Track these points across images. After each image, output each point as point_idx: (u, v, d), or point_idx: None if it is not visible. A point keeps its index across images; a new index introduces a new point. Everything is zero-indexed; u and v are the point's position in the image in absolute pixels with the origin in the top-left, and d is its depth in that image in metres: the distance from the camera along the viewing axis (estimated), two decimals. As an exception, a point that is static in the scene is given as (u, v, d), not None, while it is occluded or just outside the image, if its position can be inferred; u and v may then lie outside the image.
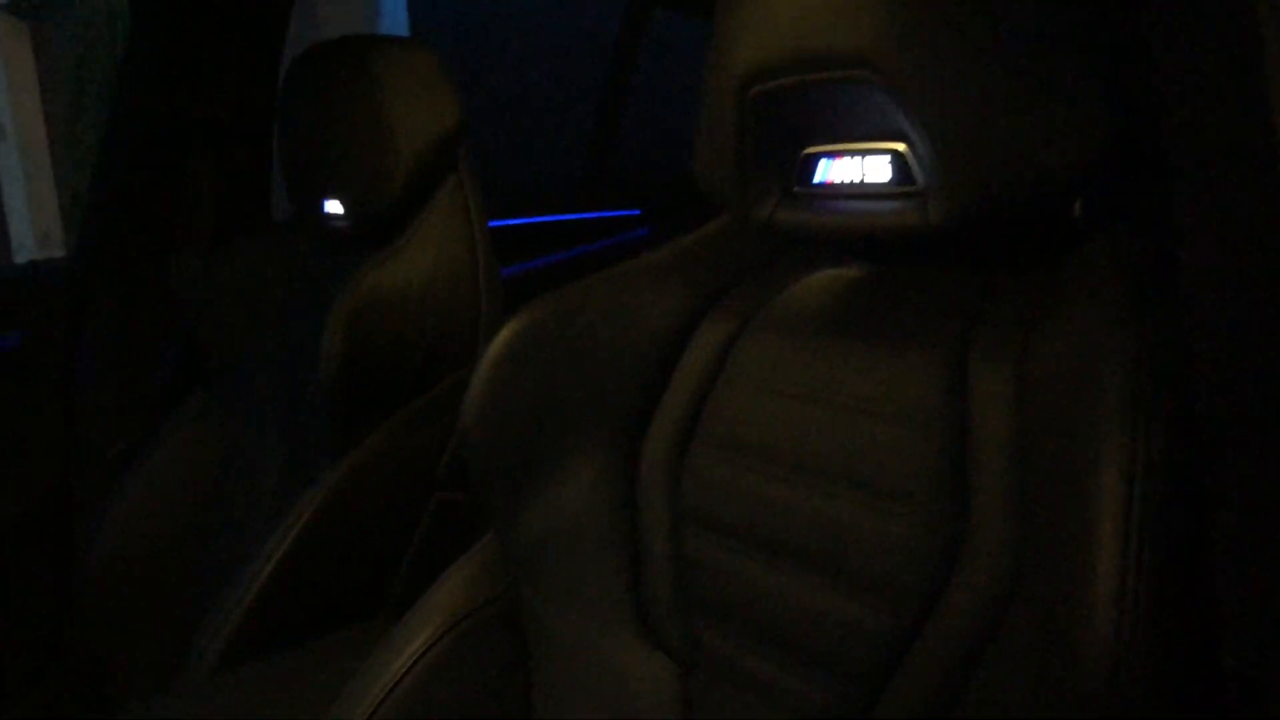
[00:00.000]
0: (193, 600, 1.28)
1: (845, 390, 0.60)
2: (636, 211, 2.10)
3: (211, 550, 1.32)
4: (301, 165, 1.26)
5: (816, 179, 0.62)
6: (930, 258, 0.62)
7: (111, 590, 1.35)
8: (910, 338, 0.59)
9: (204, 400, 1.40)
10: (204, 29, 1.40)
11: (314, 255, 1.31)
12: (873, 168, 0.58)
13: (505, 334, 0.74)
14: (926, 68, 0.51)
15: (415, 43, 1.21)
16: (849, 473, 0.58)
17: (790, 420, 0.63)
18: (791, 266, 0.71)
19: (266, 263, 1.37)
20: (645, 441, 0.72)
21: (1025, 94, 0.50)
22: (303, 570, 1.06)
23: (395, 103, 1.14)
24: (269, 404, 1.29)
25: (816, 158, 0.62)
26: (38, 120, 7.69)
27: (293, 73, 1.24)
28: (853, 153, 0.59)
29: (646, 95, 2.21)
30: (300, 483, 1.14)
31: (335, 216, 1.22)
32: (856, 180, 0.59)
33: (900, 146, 0.56)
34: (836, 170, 0.61)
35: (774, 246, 0.74)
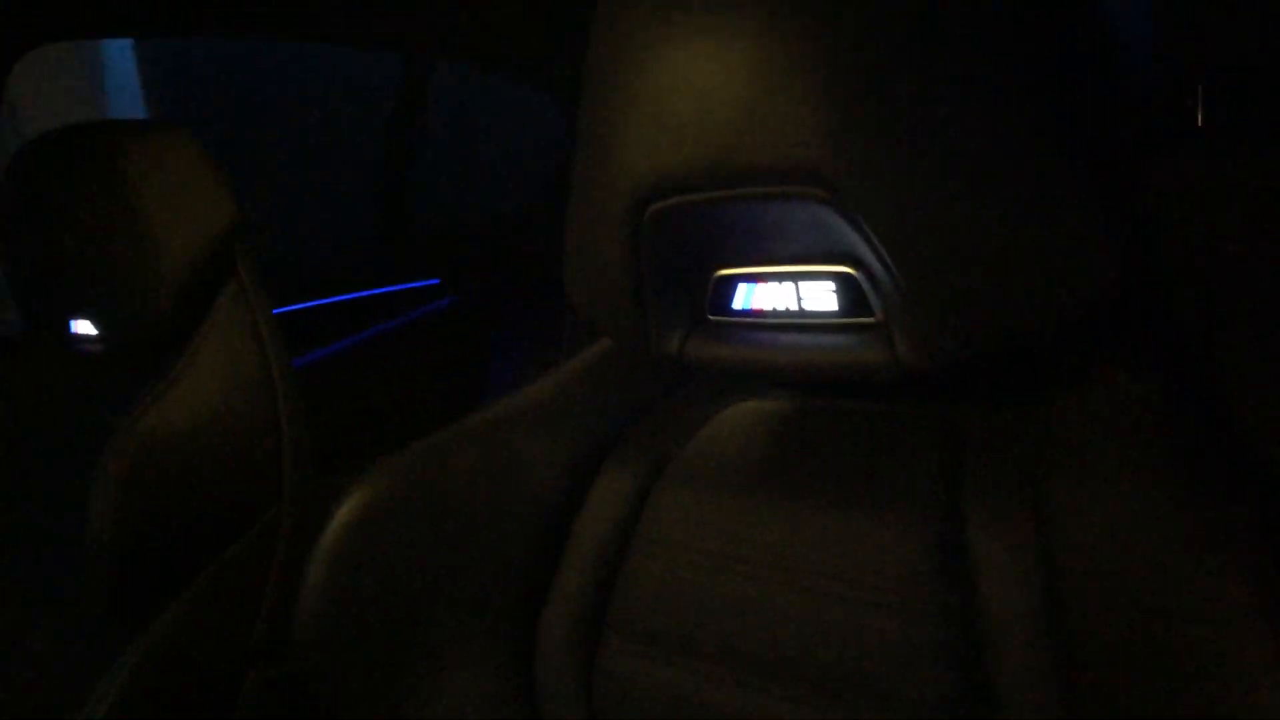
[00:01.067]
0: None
1: (804, 564, 0.49)
2: (435, 281, 1.94)
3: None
4: (35, 278, 1.03)
5: (737, 305, 0.50)
6: (892, 392, 0.52)
7: None
8: (882, 494, 0.48)
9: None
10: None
11: (65, 383, 1.08)
12: (812, 294, 0.47)
13: (346, 511, 0.58)
14: (887, 180, 0.41)
15: (170, 125, 1.02)
16: (826, 675, 0.46)
17: (735, 603, 0.51)
18: (695, 399, 0.60)
19: (3, 393, 1.12)
20: (540, 630, 0.58)
21: (1013, 210, 0.41)
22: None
23: (155, 201, 0.95)
24: (20, 568, 1.05)
25: (734, 281, 0.50)
26: None
27: (13, 170, 1.02)
28: (782, 277, 0.48)
29: (437, 153, 2.06)
30: (84, 677, 0.91)
31: (87, 339, 1.00)
32: (791, 308, 0.48)
33: (848, 269, 0.46)
34: (761, 296, 0.49)
35: (668, 376, 0.63)
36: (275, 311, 1.07)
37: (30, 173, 1.01)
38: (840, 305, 0.46)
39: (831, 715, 0.46)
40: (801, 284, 0.47)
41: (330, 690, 0.59)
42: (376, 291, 1.85)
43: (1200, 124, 0.51)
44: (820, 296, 0.47)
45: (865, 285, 0.45)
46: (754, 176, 0.43)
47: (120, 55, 3.61)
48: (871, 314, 0.45)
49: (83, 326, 1.00)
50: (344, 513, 0.57)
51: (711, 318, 0.51)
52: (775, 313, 0.49)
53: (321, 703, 0.60)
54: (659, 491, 0.56)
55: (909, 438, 0.50)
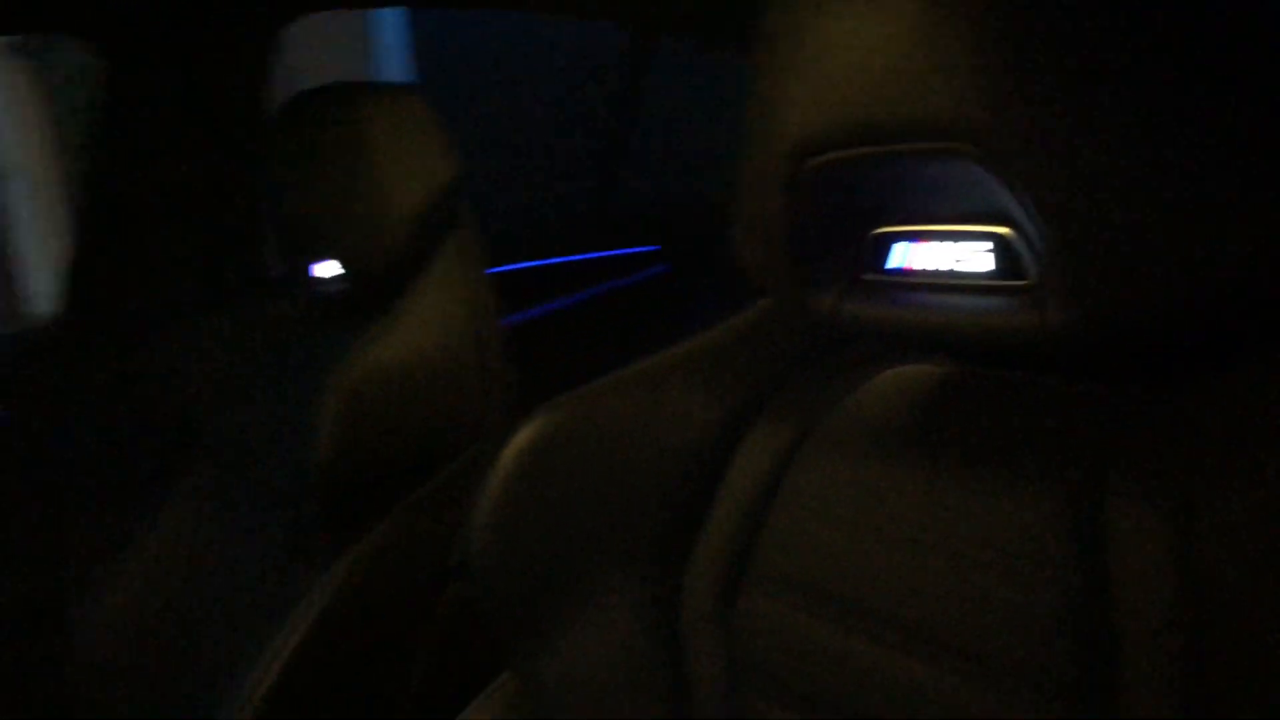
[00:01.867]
0: (186, 701, 1.18)
1: (940, 529, 0.49)
2: (654, 248, 1.99)
3: (212, 640, 1.22)
4: (289, 224, 1.15)
5: (891, 264, 0.51)
6: (1042, 362, 0.51)
7: (102, 681, 1.25)
8: (1024, 466, 0.47)
9: (199, 474, 1.30)
10: (177, 84, 1.30)
11: (307, 321, 1.21)
12: (968, 254, 0.47)
13: (519, 442, 0.62)
14: (1044, 140, 0.40)
15: (406, 88, 1.11)
16: (956, 640, 0.47)
17: (870, 561, 0.51)
18: (856, 360, 0.60)
19: (259, 328, 1.26)
20: (687, 573, 0.61)
21: (1173, 176, 0.39)
22: (308, 675, 0.95)
23: (388, 156, 1.04)
24: (266, 485, 1.19)
25: (890, 240, 0.51)
26: (49, 161, 7.65)
27: (275, 124, 1.14)
28: (940, 235, 0.48)
29: (660, 122, 2.11)
30: (303, 573, 1.03)
31: (327, 280, 1.12)
32: (946, 268, 0.48)
33: (1005, 230, 0.45)
34: (917, 255, 0.49)
35: (824, 338, 0.63)
36: (496, 270, 1.15)
37: (286, 129, 1.13)
38: (995, 267, 0.46)
39: (953, 676, 0.46)
40: (957, 244, 0.47)
41: (494, 610, 0.64)
42: (592, 256, 1.92)
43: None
44: (975, 257, 0.47)
45: (1020, 247, 0.44)
46: (909, 133, 0.44)
47: (391, 25, 3.93)
48: (1025, 277, 0.45)
49: (324, 269, 1.12)
50: (515, 446, 0.62)
51: (866, 276, 0.52)
52: (929, 273, 0.49)
53: (489, 622, 0.65)
54: (806, 450, 0.58)
55: (1055, 411, 0.49)
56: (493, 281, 1.13)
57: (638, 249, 1.98)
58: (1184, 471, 0.42)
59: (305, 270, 1.15)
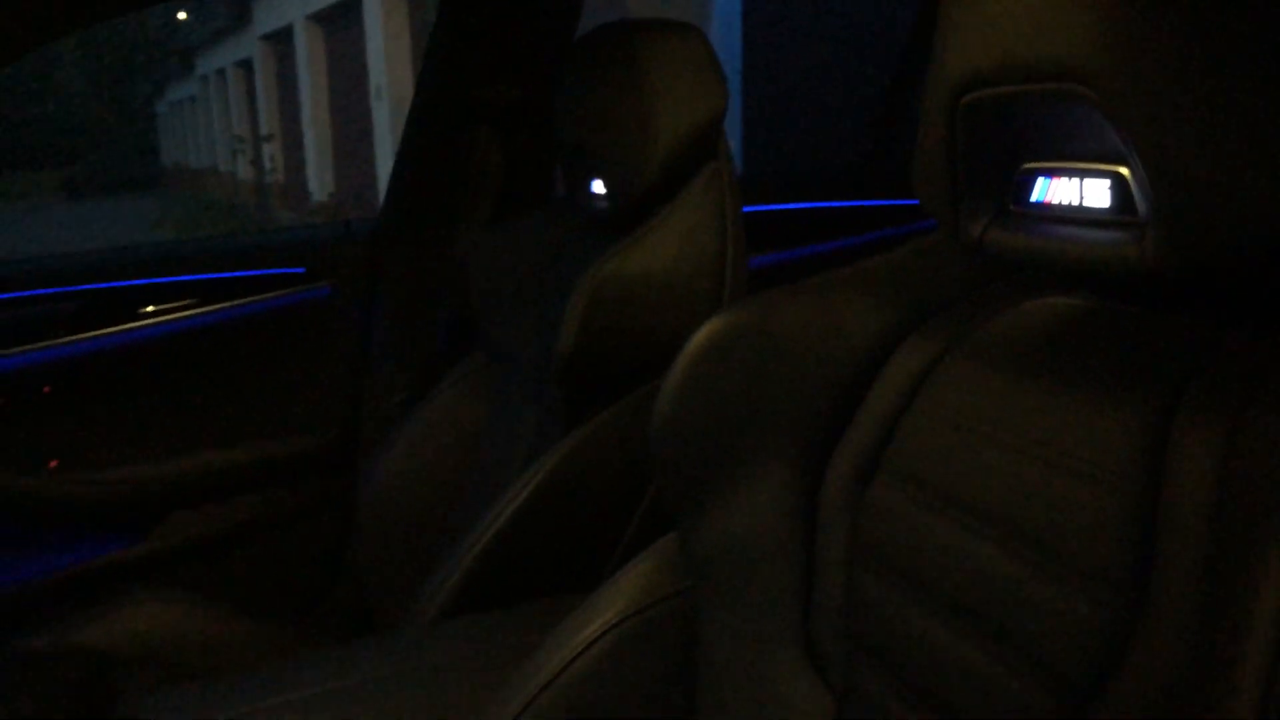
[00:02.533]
0: (443, 542, 1.38)
1: (1038, 437, 0.54)
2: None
3: (466, 498, 1.42)
4: (572, 146, 1.30)
5: (1034, 197, 0.55)
6: (1152, 298, 0.54)
7: (380, 524, 1.48)
8: (1115, 387, 0.51)
9: (475, 361, 1.50)
10: (499, 20, 1.48)
11: (579, 234, 1.35)
12: (1092, 190, 0.51)
13: (704, 333, 0.72)
14: (1142, 83, 0.43)
15: (686, 27, 1.21)
16: (1029, 529, 0.52)
17: (977, 461, 0.57)
18: (1010, 289, 0.64)
19: (538, 238, 1.43)
20: (830, 462, 0.68)
21: (1269, 124, 0.41)
22: (521, 537, 1.11)
23: (659, 88, 1.14)
24: (525, 371, 1.36)
25: (1035, 174, 0.55)
26: (409, 81, 8.57)
27: (570, 57, 1.28)
28: (1071, 172, 0.52)
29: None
30: (543, 449, 1.19)
31: (598, 197, 1.25)
32: (1074, 203, 0.52)
33: (1123, 170, 0.49)
34: (1055, 190, 0.53)
35: (978, 271, 0.68)
36: (758, 209, 1.23)
37: (577, 61, 1.26)
38: (1111, 203, 0.49)
39: (1026, 567, 0.51)
40: (1085, 180, 0.51)
41: (667, 479, 0.75)
42: (855, 204, 1.95)
43: None
44: (1098, 193, 0.50)
45: (1132, 185, 0.47)
46: (1039, 75, 0.48)
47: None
48: (1135, 214, 0.48)
49: (598, 186, 1.25)
50: (698, 339, 0.72)
51: (1012, 208, 0.56)
52: (1061, 207, 0.52)
53: (662, 488, 0.76)
54: (946, 363, 0.63)
55: (1165, 339, 0.51)
56: (740, 211, 1.22)
57: (903, 201, 1.98)
58: (1241, 396, 0.45)
59: (584, 189, 1.29)
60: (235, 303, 1.62)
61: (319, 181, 11.36)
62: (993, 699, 0.52)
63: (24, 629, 1.40)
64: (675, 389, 0.73)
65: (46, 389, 1.49)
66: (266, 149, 13.14)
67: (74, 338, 1.53)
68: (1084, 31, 0.45)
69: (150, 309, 1.60)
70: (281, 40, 12.30)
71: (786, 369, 0.69)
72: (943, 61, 0.56)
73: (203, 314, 1.59)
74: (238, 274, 1.64)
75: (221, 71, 16.00)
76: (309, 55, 11.23)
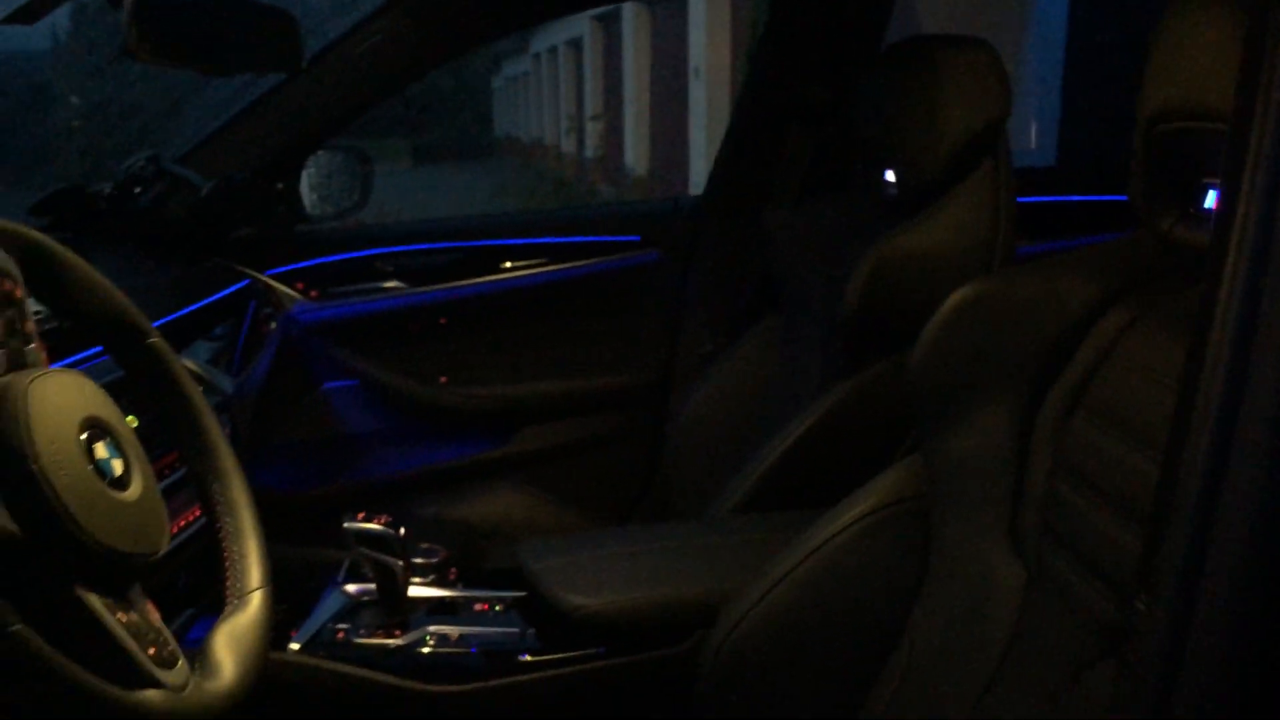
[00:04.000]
0: (736, 465, 1.67)
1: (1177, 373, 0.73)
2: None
3: (756, 431, 1.70)
4: (869, 141, 1.53)
5: (1206, 204, 0.73)
6: None
7: (685, 451, 1.79)
8: None
9: (773, 320, 1.76)
10: (818, 31, 1.73)
11: (870, 215, 1.58)
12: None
13: (957, 296, 0.95)
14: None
15: (978, 42, 1.40)
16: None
17: (1153, 402, 0.76)
18: (1189, 273, 0.82)
19: (835, 217, 1.67)
20: (1044, 399, 0.89)
21: None
22: (799, 459, 1.37)
23: (949, 95, 1.35)
24: (815, 327, 1.61)
25: (1208, 186, 0.73)
26: (725, 64, 8.94)
27: (874, 65, 1.51)
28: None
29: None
30: (825, 392, 1.44)
31: (889, 185, 1.47)
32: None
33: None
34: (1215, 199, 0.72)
35: (1177, 255, 0.85)
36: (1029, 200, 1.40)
37: (883, 67, 1.48)
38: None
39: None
40: None
41: (920, 407, 0.98)
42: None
43: None
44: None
45: None
46: (1201, 115, 0.68)
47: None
48: None
49: (889, 175, 1.48)
50: (952, 301, 0.95)
51: (1191, 211, 0.75)
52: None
53: (916, 417, 1.00)
54: (1138, 329, 0.82)
55: None
56: (1014, 206, 1.39)
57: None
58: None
59: (877, 177, 1.52)
60: (579, 263, 1.98)
61: (635, 156, 12.04)
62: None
63: (419, 501, 1.84)
64: (931, 337, 0.96)
65: (443, 320, 1.92)
66: (590, 124, 14.05)
67: (458, 283, 1.94)
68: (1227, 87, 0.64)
69: (508, 265, 2.00)
70: (611, 20, 13.07)
71: (1016, 327, 0.91)
72: (1143, 94, 0.75)
73: (558, 270, 1.96)
74: (582, 239, 2.00)
75: (553, 49, 17.20)
76: (635, 35, 11.90)
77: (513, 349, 1.96)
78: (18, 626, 0.59)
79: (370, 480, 1.87)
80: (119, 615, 0.70)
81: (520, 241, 2.03)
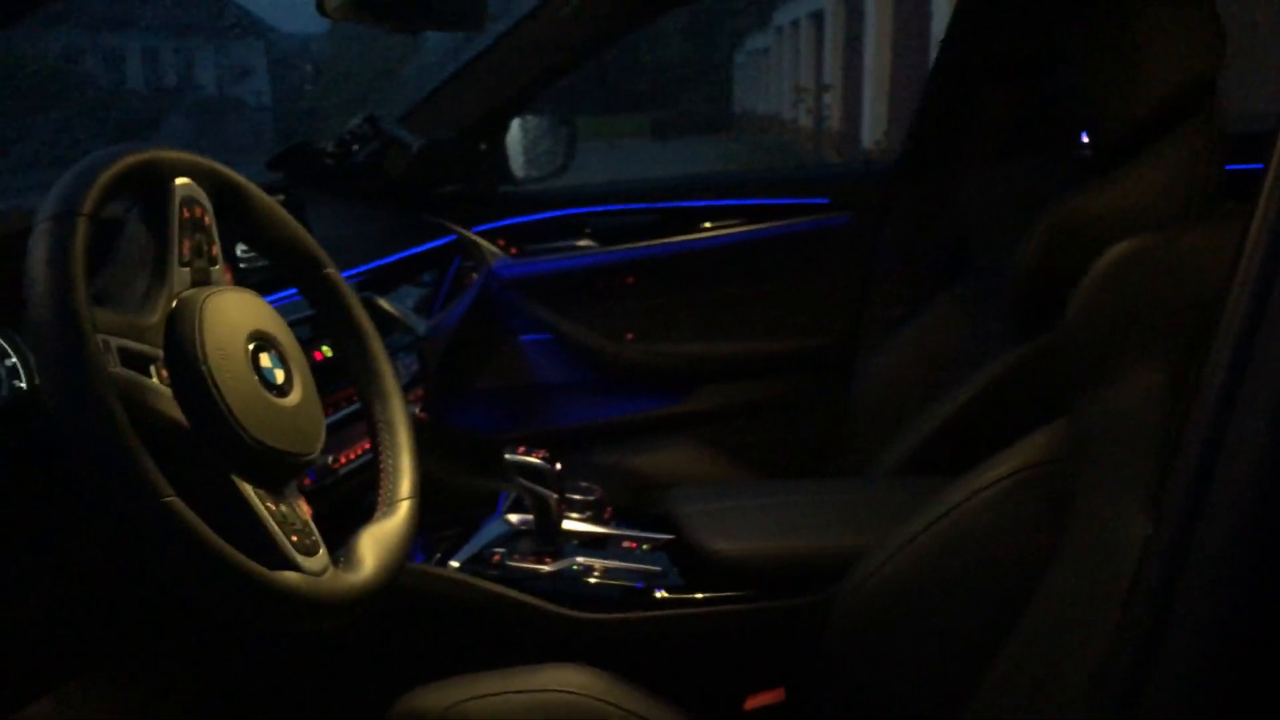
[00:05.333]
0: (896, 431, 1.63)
1: None
2: None
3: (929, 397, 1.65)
4: (1067, 94, 1.45)
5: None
6: None
7: (867, 414, 1.77)
8: None
9: (963, 284, 1.71)
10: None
11: (1061, 176, 1.50)
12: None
13: (1114, 252, 0.90)
14: None
15: None
16: None
17: None
18: None
19: (1027, 179, 1.59)
20: (1196, 364, 0.83)
21: None
22: (963, 423, 1.33)
23: (1153, 45, 1.26)
24: (1000, 291, 1.54)
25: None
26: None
27: (1074, 19, 1.42)
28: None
29: None
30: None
31: (1083, 145, 1.40)
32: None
33: None
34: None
35: None
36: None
37: (1082, 22, 1.39)
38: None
39: None
40: None
41: (1074, 364, 0.94)
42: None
43: None
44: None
45: None
46: None
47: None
48: None
49: (1084, 137, 1.40)
50: (1109, 255, 0.90)
51: None
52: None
53: (1068, 376, 0.95)
54: None
55: None
56: (1217, 174, 1.28)
57: None
58: None
59: (1075, 135, 1.44)
60: (767, 225, 1.99)
61: (872, 130, 11.76)
62: None
63: (598, 451, 1.92)
64: (1087, 292, 0.92)
65: (631, 279, 1.98)
66: (826, 98, 13.83)
67: (648, 242, 2.00)
68: None
69: (708, 225, 2.03)
70: (854, -10, 12.80)
71: (1177, 282, 0.85)
72: None
73: (746, 231, 1.98)
74: (775, 201, 2.01)
75: (795, 23, 17.01)
76: (877, 6, 11.59)
77: (698, 309, 2.00)
78: (171, 498, 0.69)
79: (553, 428, 1.96)
80: (269, 505, 0.79)
81: (710, 203, 2.06)
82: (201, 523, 0.70)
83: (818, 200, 1.97)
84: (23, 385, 0.98)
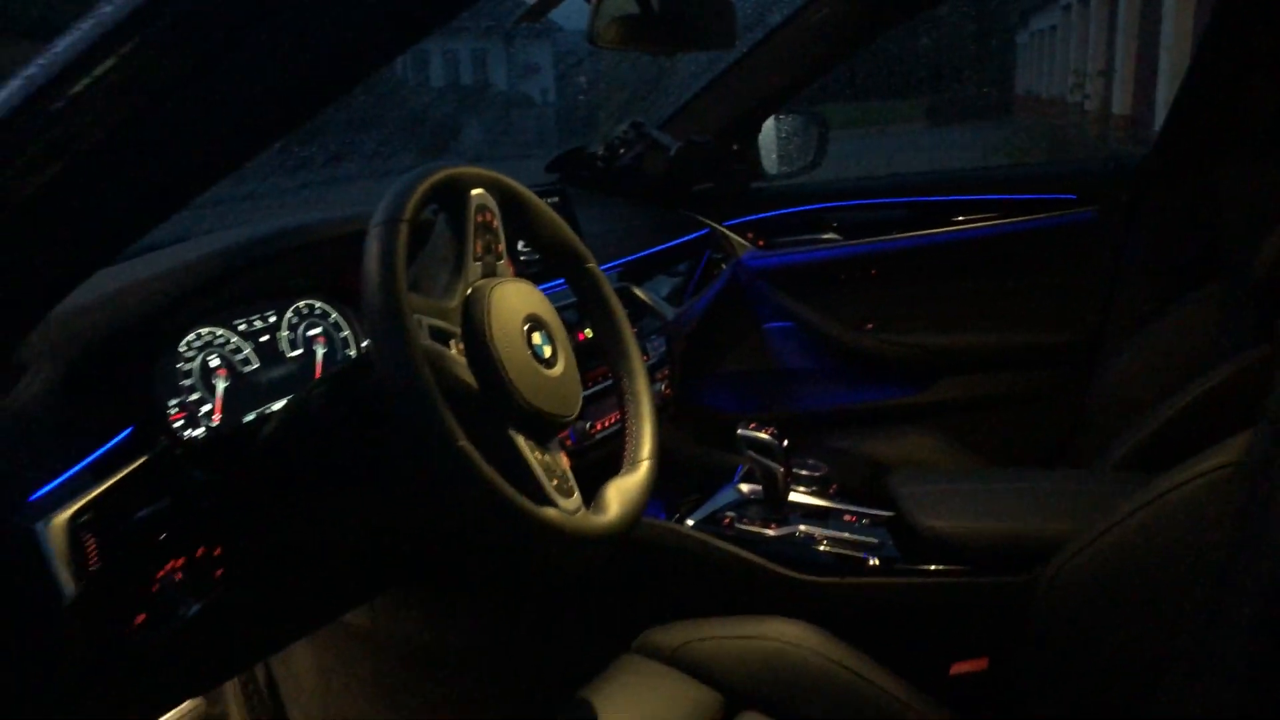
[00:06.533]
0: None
1: None
2: None
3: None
4: None
5: None
6: None
7: (1104, 415, 1.78)
8: None
9: (1215, 287, 1.67)
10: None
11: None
12: None
13: None
14: None
15: None
16: None
17: None
18: None
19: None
20: None
21: None
22: (1188, 424, 1.33)
23: None
24: (1249, 289, 1.51)
25: None
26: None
27: None
28: None
29: None
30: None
31: None
32: None
33: None
34: None
35: None
36: None
37: None
38: None
39: None
40: None
41: None
42: None
43: None
44: None
45: None
46: None
47: None
48: None
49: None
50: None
51: None
52: None
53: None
54: None
55: None
56: None
57: None
58: None
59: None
60: (1018, 219, 2.01)
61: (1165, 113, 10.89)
62: None
63: (833, 436, 2.03)
64: None
65: (873, 271, 2.07)
66: (1116, 79, 12.92)
67: (889, 236, 2.07)
68: None
69: (960, 219, 2.08)
70: (1150, -36, 11.88)
71: None
72: None
73: (988, 226, 2.01)
74: (1017, 197, 2.03)
75: (1085, 0, 15.98)
76: (1179, -21, 10.71)
77: (939, 301, 2.05)
78: (464, 443, 0.88)
79: (792, 412, 2.09)
80: (536, 454, 0.98)
81: (953, 199, 2.10)
82: (485, 463, 0.89)
83: (1064, 196, 1.97)
84: (352, 353, 1.23)
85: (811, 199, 2.19)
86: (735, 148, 2.06)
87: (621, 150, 1.95)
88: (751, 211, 2.19)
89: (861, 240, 2.09)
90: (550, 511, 0.94)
